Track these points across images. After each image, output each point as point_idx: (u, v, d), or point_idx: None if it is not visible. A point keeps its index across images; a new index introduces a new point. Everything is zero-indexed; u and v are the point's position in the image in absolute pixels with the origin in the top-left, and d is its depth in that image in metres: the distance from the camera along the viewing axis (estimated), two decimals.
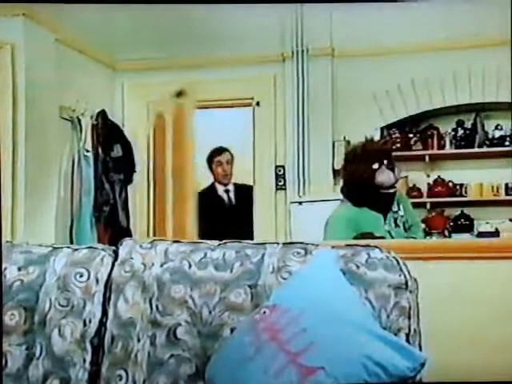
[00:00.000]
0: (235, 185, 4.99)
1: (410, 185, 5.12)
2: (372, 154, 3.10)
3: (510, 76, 3.15)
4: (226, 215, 4.89)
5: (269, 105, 5.17)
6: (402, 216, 3.08)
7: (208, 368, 1.67)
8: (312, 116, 5.05)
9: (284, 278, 1.76)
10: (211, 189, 4.99)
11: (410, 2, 3.89)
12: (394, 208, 3.08)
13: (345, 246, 1.83)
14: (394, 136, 5.22)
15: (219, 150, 4.96)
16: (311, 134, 5.04)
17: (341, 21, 4.87)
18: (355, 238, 2.95)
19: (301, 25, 5.07)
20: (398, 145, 5.20)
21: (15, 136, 3.84)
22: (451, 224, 5.05)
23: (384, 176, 3.05)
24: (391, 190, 3.07)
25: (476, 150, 5.08)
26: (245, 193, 4.97)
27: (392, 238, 3.01)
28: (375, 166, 3.05)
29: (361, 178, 3.05)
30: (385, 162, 3.06)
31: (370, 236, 2.93)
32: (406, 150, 5.12)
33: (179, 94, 4.99)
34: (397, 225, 3.05)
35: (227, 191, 4.96)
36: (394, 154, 5.09)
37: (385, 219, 3.06)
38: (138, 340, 1.74)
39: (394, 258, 1.78)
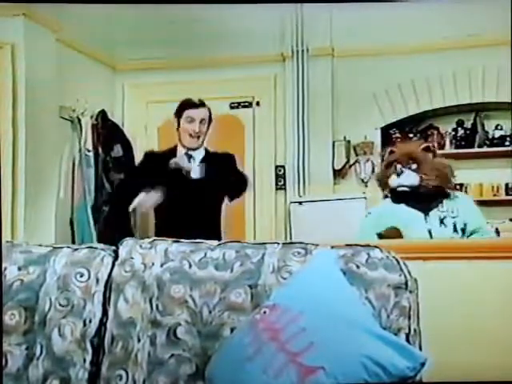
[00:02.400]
0: (207, 152, 3.62)
1: None
2: (396, 156, 3.23)
3: (509, 76, 3.15)
4: (183, 191, 3.44)
5: (269, 105, 5.17)
6: (453, 217, 3.10)
7: (208, 368, 1.67)
8: (312, 116, 5.05)
9: (284, 278, 1.76)
10: (170, 153, 3.60)
11: (410, 2, 3.90)
12: (442, 207, 3.12)
13: (345, 246, 1.83)
14: (394, 136, 5.22)
15: (193, 103, 3.58)
16: (311, 133, 5.05)
17: (341, 21, 4.87)
18: (379, 234, 3.07)
19: (301, 25, 5.08)
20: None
21: (15, 136, 3.85)
22: None
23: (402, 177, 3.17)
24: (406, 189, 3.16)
25: (476, 149, 5.08)
26: (221, 165, 3.57)
27: (431, 236, 3.08)
28: (398, 166, 3.17)
29: (385, 178, 3.22)
30: (409, 163, 3.18)
31: (396, 231, 3.03)
32: None
33: None
34: (443, 224, 3.09)
35: (190, 157, 3.56)
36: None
37: (426, 217, 3.12)
38: (138, 340, 1.74)
39: (394, 257, 1.78)
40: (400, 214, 3.16)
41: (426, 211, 3.12)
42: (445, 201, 3.13)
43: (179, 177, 3.46)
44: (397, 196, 3.20)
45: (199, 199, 3.44)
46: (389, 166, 3.23)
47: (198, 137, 3.55)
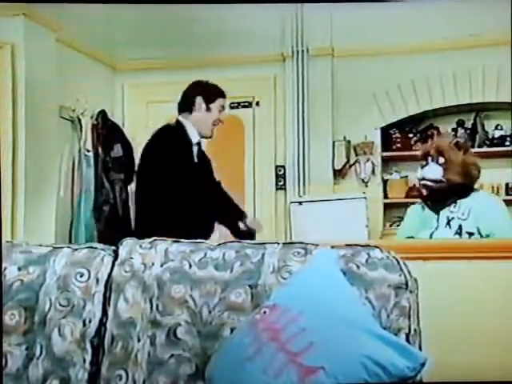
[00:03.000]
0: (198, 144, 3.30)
1: (410, 185, 5.11)
2: (426, 149, 3.17)
3: (510, 76, 3.15)
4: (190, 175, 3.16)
5: (269, 105, 5.17)
6: (462, 219, 3.02)
7: (208, 368, 1.67)
8: (312, 116, 5.05)
9: (284, 278, 1.76)
10: (180, 131, 3.25)
11: (410, 2, 3.90)
12: (455, 207, 3.04)
13: (345, 246, 1.83)
14: (394, 136, 5.22)
15: (224, 92, 3.36)
16: (311, 133, 5.05)
17: (341, 21, 4.87)
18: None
19: (301, 24, 5.08)
20: (398, 145, 5.21)
21: (15, 136, 3.84)
22: None
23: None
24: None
25: (476, 149, 5.07)
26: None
27: (430, 237, 3.03)
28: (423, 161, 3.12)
29: None
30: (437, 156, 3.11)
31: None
32: (406, 150, 5.12)
33: None
34: (448, 225, 3.01)
35: (199, 144, 3.29)
36: (395, 153, 5.16)
37: (439, 216, 3.06)
38: (138, 340, 1.74)
39: (394, 257, 1.78)
40: (420, 214, 3.15)
41: (439, 210, 3.07)
42: (460, 201, 3.05)
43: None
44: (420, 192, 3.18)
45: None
46: (421, 159, 3.17)
47: (215, 126, 3.33)
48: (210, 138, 3.33)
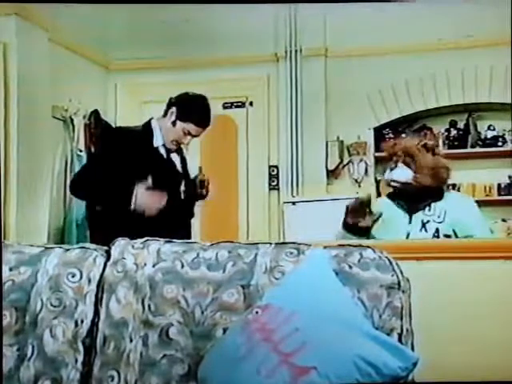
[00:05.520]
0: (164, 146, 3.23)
1: None
2: (394, 150, 3.13)
3: (503, 76, 3.16)
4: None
5: (262, 105, 5.17)
6: (438, 222, 2.98)
7: (200, 368, 1.66)
8: (305, 116, 5.06)
9: (277, 278, 1.76)
10: (145, 130, 3.21)
11: (404, 3, 3.90)
12: (429, 210, 3.00)
13: (337, 246, 1.83)
14: (387, 136, 5.23)
15: (204, 123, 3.20)
16: (304, 133, 5.05)
17: (334, 21, 4.88)
18: None
19: (294, 25, 5.08)
20: None
21: (7, 136, 3.83)
22: None
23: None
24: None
25: (469, 150, 5.09)
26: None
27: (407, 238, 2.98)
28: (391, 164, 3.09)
29: None
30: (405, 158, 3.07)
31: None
32: None
33: None
34: (424, 228, 2.97)
35: (164, 146, 3.24)
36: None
37: (411, 219, 3.02)
38: (131, 340, 1.74)
39: (386, 257, 1.78)
40: (387, 211, 3.09)
41: (411, 213, 3.02)
42: (434, 204, 3.00)
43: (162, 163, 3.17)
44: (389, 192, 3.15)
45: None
46: (387, 160, 3.13)
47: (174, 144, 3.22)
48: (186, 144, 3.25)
